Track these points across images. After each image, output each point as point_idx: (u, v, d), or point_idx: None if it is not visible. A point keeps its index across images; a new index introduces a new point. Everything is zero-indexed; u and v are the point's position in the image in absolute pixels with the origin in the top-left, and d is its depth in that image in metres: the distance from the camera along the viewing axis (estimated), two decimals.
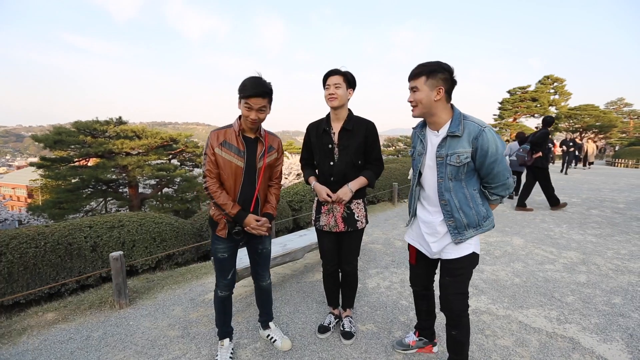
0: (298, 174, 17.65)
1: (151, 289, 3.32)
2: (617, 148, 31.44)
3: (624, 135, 36.09)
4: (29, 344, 2.40)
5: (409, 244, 1.93)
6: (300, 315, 2.68)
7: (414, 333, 2.14)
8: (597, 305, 2.68)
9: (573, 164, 15.35)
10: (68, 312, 2.88)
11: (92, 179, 13.08)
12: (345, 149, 2.06)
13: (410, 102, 1.62)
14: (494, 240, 4.48)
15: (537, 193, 8.41)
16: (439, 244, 1.71)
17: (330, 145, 2.07)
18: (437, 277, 1.89)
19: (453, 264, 1.67)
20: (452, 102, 1.62)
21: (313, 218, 2.23)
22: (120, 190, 15.03)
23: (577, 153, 15.14)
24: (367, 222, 2.19)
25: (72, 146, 13.12)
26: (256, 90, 1.73)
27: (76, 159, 13.59)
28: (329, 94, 1.98)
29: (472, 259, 1.68)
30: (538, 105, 35.00)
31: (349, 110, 2.10)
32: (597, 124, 31.37)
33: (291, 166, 19.40)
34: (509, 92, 36.90)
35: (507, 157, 7.01)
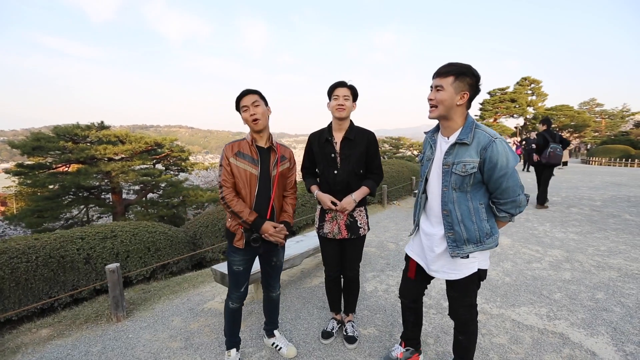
0: None
1: (148, 300, 3.28)
2: (589, 146, 32.92)
3: (596, 134, 37.80)
4: None
5: (408, 256, 1.87)
6: (302, 321, 2.71)
7: (400, 344, 2.11)
8: (582, 301, 2.84)
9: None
10: (63, 327, 2.82)
11: (73, 186, 12.65)
12: (347, 158, 2.12)
13: (431, 100, 1.53)
14: None
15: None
16: (438, 261, 1.66)
17: (332, 155, 2.13)
18: (435, 285, 1.96)
19: (457, 282, 1.64)
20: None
21: (316, 226, 2.28)
22: (103, 196, 14.59)
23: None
24: (368, 228, 2.25)
25: (52, 152, 12.66)
26: (243, 91, 1.88)
27: (56, 165, 13.12)
28: (339, 105, 2.04)
29: (478, 276, 1.64)
30: (517, 106, 36.25)
31: (351, 120, 2.17)
32: (572, 123, 32.77)
33: None
34: (489, 93, 38.01)
35: None
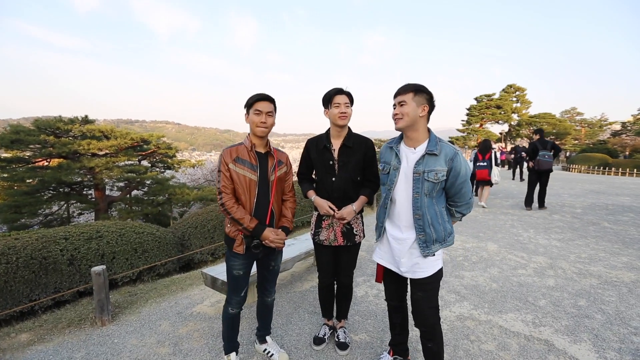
0: None
1: (134, 303, 3.20)
2: (568, 154, 34.10)
3: (576, 142, 39.17)
4: None
5: (377, 263, 2.00)
6: (293, 326, 2.70)
7: (388, 352, 2.17)
8: (565, 308, 2.93)
9: (525, 171, 15.10)
10: (44, 331, 2.72)
11: (54, 181, 12.22)
12: (345, 165, 2.12)
13: (396, 114, 1.73)
14: (471, 246, 4.74)
15: (504, 198, 8.97)
16: (409, 261, 1.80)
17: (331, 162, 2.13)
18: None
19: (424, 280, 1.78)
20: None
21: (312, 232, 2.27)
22: (85, 192, 14.16)
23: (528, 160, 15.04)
24: (364, 235, 2.26)
25: (32, 146, 12.20)
26: (263, 95, 1.90)
27: (35, 160, 12.65)
28: (341, 113, 2.05)
29: (440, 274, 1.82)
30: (502, 113, 37.19)
31: (349, 127, 2.17)
32: (553, 130, 33.85)
33: None
34: (476, 99, 38.87)
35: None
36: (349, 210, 2.09)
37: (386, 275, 2.00)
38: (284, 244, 2.00)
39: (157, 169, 16.19)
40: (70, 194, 13.61)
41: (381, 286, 3.42)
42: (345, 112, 2.06)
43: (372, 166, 2.19)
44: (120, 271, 3.48)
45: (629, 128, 34.56)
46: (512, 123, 37.72)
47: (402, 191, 1.79)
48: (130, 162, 14.53)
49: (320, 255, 2.27)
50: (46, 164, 13.24)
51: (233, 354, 2.14)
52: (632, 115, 34.69)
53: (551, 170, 7.10)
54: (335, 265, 2.29)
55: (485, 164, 7.43)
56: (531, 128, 35.59)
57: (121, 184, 15.35)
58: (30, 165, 12.68)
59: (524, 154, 13.05)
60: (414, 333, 2.48)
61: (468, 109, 39.08)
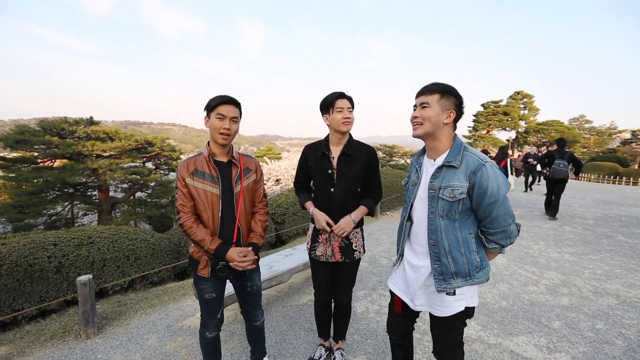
0: (277, 180, 17.40)
1: (123, 314, 3.05)
2: None
3: (585, 150, 38.52)
4: None
5: (392, 291, 1.72)
6: (287, 345, 2.52)
7: None
8: (582, 331, 2.71)
9: (537, 180, 14.17)
10: (25, 344, 2.58)
11: (58, 182, 12.23)
12: (345, 175, 1.96)
13: (415, 118, 1.45)
14: None
15: (512, 207, 8.70)
16: (424, 294, 1.54)
17: (329, 171, 1.96)
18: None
19: (442, 320, 1.51)
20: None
21: (308, 246, 2.11)
22: (89, 193, 14.16)
23: (539, 168, 13.71)
24: (364, 251, 2.09)
25: (37, 146, 12.24)
26: (227, 98, 1.67)
27: (40, 160, 12.69)
28: (345, 118, 1.88)
29: (464, 315, 1.51)
30: (509, 119, 36.78)
31: (350, 134, 2.01)
32: (559, 138, 33.30)
33: (270, 172, 19.12)
34: (482, 105, 38.52)
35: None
36: (347, 221, 1.91)
37: (395, 304, 1.72)
38: (255, 264, 1.77)
39: (161, 171, 16.17)
40: (74, 195, 13.62)
41: (383, 301, 3.24)
42: (348, 118, 1.90)
43: (374, 177, 2.02)
44: (111, 279, 3.34)
45: (639, 136, 33.90)
46: (520, 130, 37.26)
47: (419, 211, 1.53)
48: (134, 164, 14.52)
49: (317, 271, 2.10)
50: (51, 164, 13.29)
51: None
52: None
53: (566, 180, 6.94)
54: (333, 282, 2.11)
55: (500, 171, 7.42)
56: (539, 135, 35.13)
57: (125, 186, 15.35)
58: (35, 166, 12.72)
59: (531, 160, 12.64)
60: (419, 357, 2.29)
61: (474, 115, 38.71)
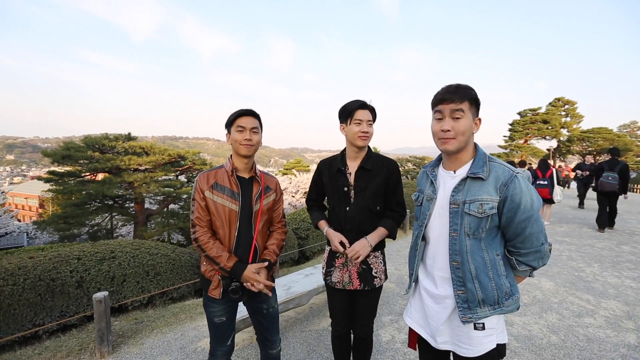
0: (305, 192, 17.39)
1: (139, 332, 2.98)
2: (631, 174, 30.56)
3: (639, 159, 35.15)
4: None
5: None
6: None
7: None
8: None
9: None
10: None
11: (99, 194, 13.00)
12: (362, 192, 1.76)
13: (447, 132, 1.23)
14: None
15: (557, 222, 7.90)
16: (448, 329, 1.32)
17: (345, 188, 1.77)
18: None
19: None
20: None
21: (323, 271, 1.91)
22: (126, 205, 14.91)
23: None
24: (386, 277, 1.85)
25: (80, 161, 13.16)
26: (245, 110, 1.63)
27: (84, 174, 13.59)
28: (363, 132, 1.70)
29: (496, 355, 1.29)
30: (549, 128, 34.61)
31: (368, 147, 1.82)
32: (611, 147, 30.69)
33: (298, 184, 19.18)
34: (519, 113, 36.68)
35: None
36: (362, 244, 1.69)
37: (420, 342, 1.50)
38: (271, 289, 1.64)
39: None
40: (113, 207, 14.40)
41: None
42: (367, 132, 1.71)
43: (396, 193, 1.80)
44: (131, 295, 3.32)
45: None
46: (562, 139, 34.84)
47: (437, 229, 1.34)
48: (167, 177, 15.15)
49: (333, 299, 1.88)
50: (93, 178, 14.19)
51: None
52: None
53: (616, 193, 6.48)
54: (351, 311, 1.89)
55: (545, 182, 7.06)
56: (583, 144, 32.63)
57: (159, 198, 16.03)
58: (79, 179, 13.64)
59: (579, 171, 11.21)
60: None
61: (510, 124, 36.83)
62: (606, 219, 6.94)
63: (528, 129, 35.55)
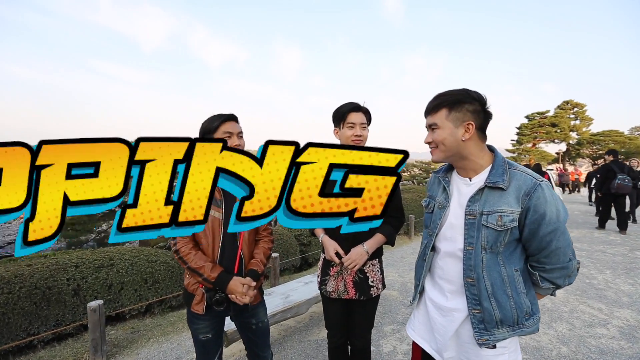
0: None
1: (134, 342, 2.93)
2: None
3: None
4: None
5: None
6: None
7: None
8: None
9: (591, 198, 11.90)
10: None
11: None
12: None
13: (428, 143, 1.24)
14: None
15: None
16: (455, 347, 1.25)
17: None
18: None
19: None
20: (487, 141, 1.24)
21: (318, 280, 1.83)
22: None
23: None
24: (383, 286, 1.77)
25: None
26: (228, 115, 1.54)
27: None
28: (356, 136, 1.65)
29: None
30: (558, 131, 34.15)
31: None
32: (622, 150, 30.07)
33: None
34: (527, 117, 36.35)
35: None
36: (358, 252, 1.62)
37: (424, 356, 1.41)
38: (260, 298, 1.58)
39: None
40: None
41: None
42: (360, 136, 1.66)
43: (394, 197, 1.72)
44: (128, 303, 3.27)
45: None
46: (571, 142, 34.32)
47: (450, 240, 1.25)
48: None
49: (328, 310, 1.81)
50: None
51: None
52: None
53: (625, 195, 6.77)
54: (347, 322, 1.81)
55: None
56: (594, 147, 32.08)
57: None
58: None
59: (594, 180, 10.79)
60: None
61: (518, 128, 36.44)
62: (607, 218, 7.32)
63: (536, 133, 35.16)
